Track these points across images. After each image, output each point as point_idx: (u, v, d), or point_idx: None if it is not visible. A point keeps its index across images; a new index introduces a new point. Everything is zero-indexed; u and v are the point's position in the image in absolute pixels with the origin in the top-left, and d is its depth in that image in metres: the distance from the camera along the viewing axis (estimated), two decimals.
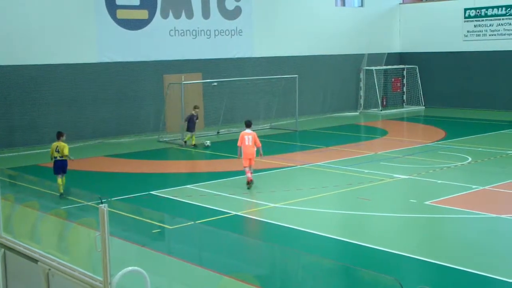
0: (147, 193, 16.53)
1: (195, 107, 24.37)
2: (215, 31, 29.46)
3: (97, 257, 7.41)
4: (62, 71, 25.23)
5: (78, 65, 25.59)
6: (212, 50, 29.31)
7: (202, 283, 10.58)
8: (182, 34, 28.38)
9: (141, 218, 14.25)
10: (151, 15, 27.40)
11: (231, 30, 30.03)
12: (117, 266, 7.46)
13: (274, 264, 11.41)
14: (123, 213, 14.19)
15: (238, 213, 14.48)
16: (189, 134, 23.95)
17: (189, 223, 13.66)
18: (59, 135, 16.34)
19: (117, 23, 26.42)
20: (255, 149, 17.06)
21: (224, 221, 14.01)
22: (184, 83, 25.29)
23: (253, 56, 30.83)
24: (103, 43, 26.15)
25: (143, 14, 27.17)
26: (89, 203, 15.31)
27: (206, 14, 29.14)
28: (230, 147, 24.02)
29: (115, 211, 13.55)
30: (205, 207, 15.09)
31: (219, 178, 18.34)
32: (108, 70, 26.35)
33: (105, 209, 6.44)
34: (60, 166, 16.12)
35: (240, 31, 30.34)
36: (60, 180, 16.04)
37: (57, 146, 16.12)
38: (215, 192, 16.53)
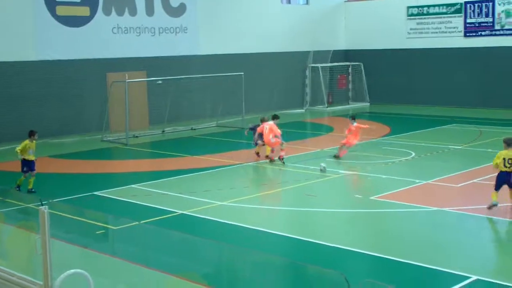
0: (90, 193, 16.15)
1: (262, 120, 20.81)
2: (159, 28, 29.12)
3: (38, 261, 7.15)
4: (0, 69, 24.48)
5: (17, 64, 24.84)
6: (157, 47, 28.95)
7: (149, 284, 10.38)
8: (126, 31, 27.93)
9: (84, 220, 13.92)
10: (93, 12, 26.85)
11: (175, 28, 29.74)
12: (59, 269, 7.21)
13: (222, 263, 11.31)
14: (65, 215, 13.84)
15: (185, 212, 14.29)
16: (258, 145, 20.56)
17: (134, 223, 13.43)
18: (28, 134, 16.61)
19: (57, 20, 25.75)
20: (270, 137, 19.51)
21: (170, 220, 13.80)
22: (128, 82, 24.89)
23: (198, 53, 30.61)
24: (43, 41, 25.44)
25: (84, 11, 26.60)
26: (29, 205, 14.89)
27: (150, 11, 28.76)
28: (176, 146, 23.84)
29: (57, 213, 13.22)
30: (151, 206, 14.84)
31: (164, 177, 18.09)
32: (49, 68, 25.68)
33: (45, 211, 6.23)
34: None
35: (185, 28, 30.07)
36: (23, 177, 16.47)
37: None
38: (160, 191, 16.29)
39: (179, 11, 29.85)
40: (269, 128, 19.77)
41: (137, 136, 25.74)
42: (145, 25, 28.59)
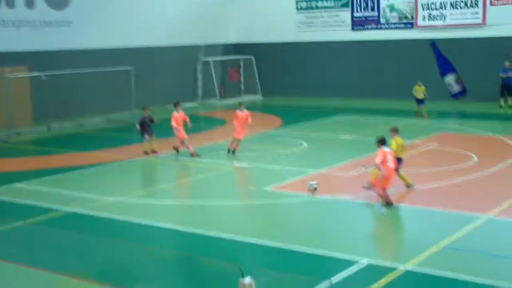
0: None
1: (144, 108, 20.50)
2: (41, 22, 27.76)
3: None
4: None
5: None
6: (39, 41, 27.51)
7: (37, 284, 9.84)
8: (3, 24, 26.37)
9: None
10: None
11: (59, 21, 28.48)
12: None
13: (114, 259, 10.90)
14: None
15: (73, 210, 13.69)
16: (145, 142, 19.89)
17: (19, 224, 12.70)
18: None
19: None
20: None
21: (58, 219, 13.21)
22: (8, 77, 23.57)
23: (85, 47, 29.46)
24: None
25: None
26: None
27: (30, 3, 27.33)
28: (63, 143, 22.92)
29: None
30: (37, 205, 14.12)
31: (51, 175, 17.27)
32: None
33: None
34: None
35: (70, 21, 28.89)
36: None
37: None
38: (47, 189, 15.52)
39: (62, 3, 28.61)
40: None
41: (20, 133, 24.47)
42: (26, 18, 27.15)
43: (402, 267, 9.83)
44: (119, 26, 30.89)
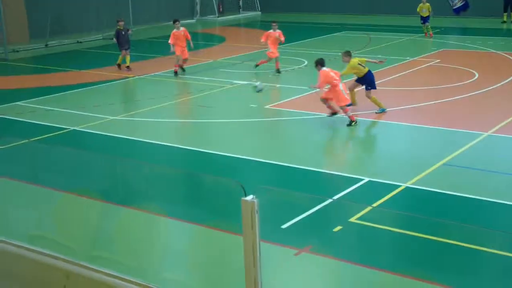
0: None
1: (118, 20, 20.13)
2: None
3: None
4: None
5: None
6: None
7: (40, 201, 10.00)
8: None
9: None
10: None
11: None
12: None
13: (116, 177, 11.04)
14: None
15: (76, 128, 13.76)
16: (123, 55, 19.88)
17: (23, 142, 12.78)
18: None
19: None
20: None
21: (61, 137, 13.28)
22: None
23: None
24: None
25: None
26: None
27: None
28: (61, 60, 22.72)
29: None
30: (39, 124, 14.18)
31: (51, 93, 17.24)
32: None
33: None
34: None
35: None
36: None
37: None
38: (49, 108, 15.54)
39: None
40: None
41: (17, 51, 24.24)
42: None
43: (402, 184, 9.99)
44: None
